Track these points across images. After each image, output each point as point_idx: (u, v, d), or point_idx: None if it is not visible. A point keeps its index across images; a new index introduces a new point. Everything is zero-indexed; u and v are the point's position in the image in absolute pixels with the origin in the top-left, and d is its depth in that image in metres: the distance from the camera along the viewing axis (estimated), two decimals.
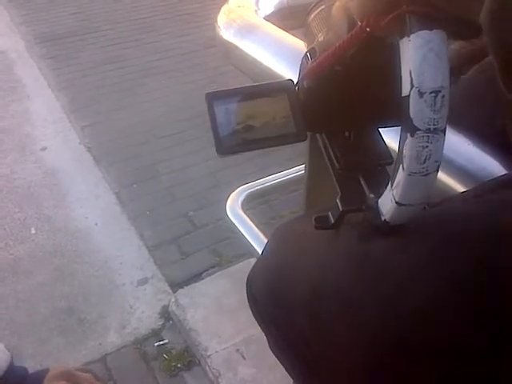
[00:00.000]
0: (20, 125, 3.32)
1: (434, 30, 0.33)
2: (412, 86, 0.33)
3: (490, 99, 0.57)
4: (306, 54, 0.49)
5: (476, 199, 0.44)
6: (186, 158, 2.97)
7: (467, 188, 0.54)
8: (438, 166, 0.35)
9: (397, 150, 0.51)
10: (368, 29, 0.37)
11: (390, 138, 0.50)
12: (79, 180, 2.84)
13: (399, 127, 0.47)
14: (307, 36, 0.55)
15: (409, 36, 0.33)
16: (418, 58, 0.33)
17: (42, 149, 3.09)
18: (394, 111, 0.41)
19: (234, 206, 1.07)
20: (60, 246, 2.39)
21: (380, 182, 0.45)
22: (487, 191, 0.45)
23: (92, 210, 2.63)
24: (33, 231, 2.48)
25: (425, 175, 0.35)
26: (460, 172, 0.54)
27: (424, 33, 0.33)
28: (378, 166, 0.48)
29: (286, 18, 0.95)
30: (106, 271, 2.27)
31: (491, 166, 0.55)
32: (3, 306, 2.08)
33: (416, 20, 0.33)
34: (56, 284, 2.20)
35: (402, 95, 0.34)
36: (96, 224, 2.53)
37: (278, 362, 0.55)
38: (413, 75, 0.33)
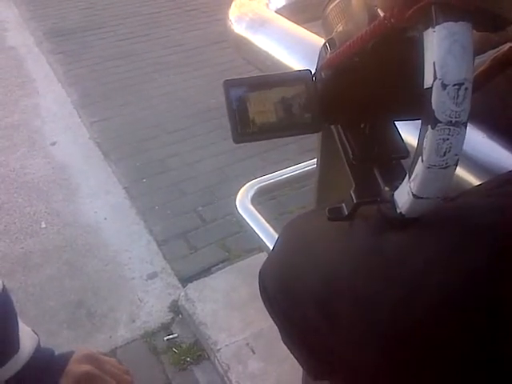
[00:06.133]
0: (30, 120, 3.34)
1: (460, 22, 0.33)
2: (435, 77, 0.33)
3: (504, 91, 0.57)
4: (324, 45, 0.49)
5: (491, 192, 0.43)
6: (195, 153, 2.98)
7: (481, 181, 0.53)
8: (458, 160, 0.35)
9: (412, 144, 0.51)
10: (392, 20, 0.36)
11: (407, 132, 0.50)
12: (89, 175, 2.85)
13: (415, 121, 0.47)
14: (325, 27, 0.55)
15: (434, 27, 0.33)
16: (443, 50, 0.32)
17: (52, 144, 3.11)
18: (412, 104, 0.41)
19: (243, 200, 1.07)
20: (70, 241, 2.40)
21: (395, 175, 0.45)
22: (502, 184, 0.44)
23: (101, 204, 2.64)
24: (43, 225, 2.49)
25: (444, 168, 0.35)
26: (474, 164, 0.54)
27: (449, 24, 0.33)
28: (393, 160, 0.47)
29: (298, 12, 0.95)
30: (115, 265, 2.28)
31: (505, 158, 0.55)
32: (13, 299, 2.09)
33: (441, 11, 0.33)
34: (66, 278, 2.21)
35: (425, 87, 0.34)
36: (105, 219, 2.54)
37: (289, 355, 0.55)
38: (436, 67, 0.33)
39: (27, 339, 0.79)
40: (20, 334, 0.77)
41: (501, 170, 0.53)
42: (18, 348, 0.76)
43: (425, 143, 0.34)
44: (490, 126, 0.55)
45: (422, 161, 0.35)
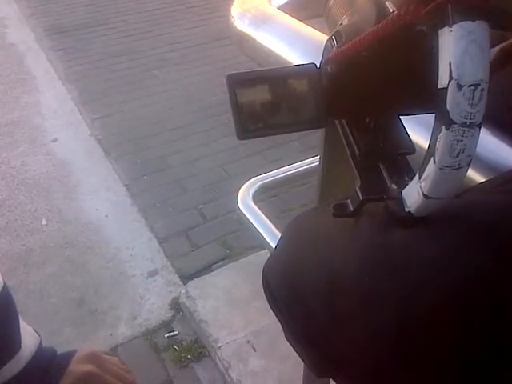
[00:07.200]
0: (31, 117, 3.34)
1: (477, 21, 0.32)
2: (451, 78, 0.32)
3: (508, 87, 0.56)
4: (330, 38, 0.48)
5: (496, 190, 0.43)
6: (196, 151, 2.98)
7: (485, 178, 0.53)
8: (470, 161, 0.34)
9: (417, 140, 0.50)
10: (407, 17, 0.36)
11: (412, 129, 0.49)
12: (89, 172, 2.85)
13: (420, 118, 0.46)
14: (329, 20, 0.54)
15: (450, 26, 0.32)
16: (460, 50, 0.32)
17: (53, 141, 3.11)
18: (418, 98, 0.41)
19: (245, 198, 1.07)
20: (71, 238, 2.40)
21: (401, 171, 0.44)
22: (507, 182, 0.44)
23: (102, 201, 2.64)
24: (44, 222, 2.49)
25: (456, 169, 0.34)
26: (478, 162, 0.54)
27: (467, 23, 0.32)
28: (399, 155, 0.47)
29: (300, 8, 0.95)
30: (116, 263, 2.28)
31: (510, 155, 0.54)
32: (14, 297, 2.09)
33: (458, 10, 0.32)
34: (67, 275, 2.22)
35: (439, 87, 0.33)
36: (106, 216, 2.54)
37: (291, 352, 0.55)
38: (452, 67, 0.32)
39: (29, 339, 0.78)
40: (22, 333, 0.77)
41: (505, 167, 0.53)
42: (20, 347, 0.75)
43: (437, 144, 0.34)
44: (494, 123, 0.55)
45: (435, 161, 0.34)
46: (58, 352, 0.82)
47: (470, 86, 0.32)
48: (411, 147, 0.48)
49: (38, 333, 0.81)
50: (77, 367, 0.80)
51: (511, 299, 0.34)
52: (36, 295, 2.12)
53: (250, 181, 1.10)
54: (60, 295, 2.12)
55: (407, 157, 0.47)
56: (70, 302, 2.09)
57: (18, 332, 0.76)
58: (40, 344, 0.80)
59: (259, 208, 1.04)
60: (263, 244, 1.00)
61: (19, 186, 2.73)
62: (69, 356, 0.81)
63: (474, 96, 0.32)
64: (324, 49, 0.49)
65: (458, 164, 0.34)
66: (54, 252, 2.33)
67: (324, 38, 0.51)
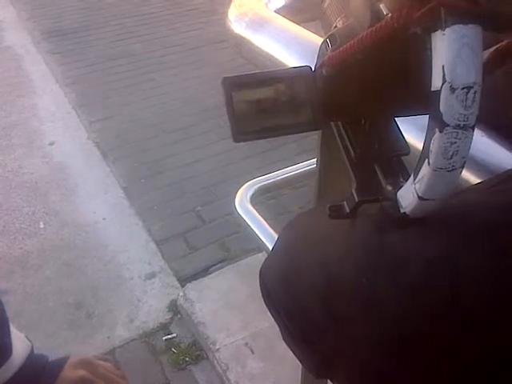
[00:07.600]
0: (28, 120, 3.33)
1: (470, 25, 0.32)
2: (444, 81, 0.32)
3: (504, 90, 0.57)
4: (325, 41, 0.48)
5: (491, 190, 0.43)
6: (194, 153, 2.98)
7: (479, 179, 0.54)
8: (465, 162, 0.34)
9: (412, 142, 0.51)
10: (401, 20, 0.36)
11: (407, 130, 0.50)
12: (87, 175, 2.85)
13: (415, 119, 0.47)
14: (324, 21, 0.54)
15: (443, 30, 0.32)
16: (452, 53, 0.32)
17: (50, 144, 3.10)
18: (413, 100, 0.41)
19: (242, 200, 1.07)
20: (68, 241, 2.40)
21: (396, 172, 0.45)
22: (501, 182, 0.44)
23: (100, 204, 2.64)
24: (41, 226, 2.49)
25: (450, 171, 0.34)
26: (473, 163, 0.54)
27: (459, 27, 0.32)
28: (394, 157, 0.47)
29: (297, 12, 0.95)
30: (114, 265, 2.28)
31: (505, 157, 0.55)
32: (12, 300, 2.09)
33: (451, 13, 0.32)
34: (64, 278, 2.21)
35: (432, 89, 0.33)
36: (104, 219, 2.54)
37: (288, 354, 0.55)
38: (445, 70, 0.32)
39: (20, 345, 0.78)
40: (12, 339, 0.76)
41: (499, 168, 0.54)
42: (11, 353, 0.75)
43: (431, 146, 0.34)
44: (488, 124, 0.55)
45: (429, 163, 0.35)
46: (52, 358, 0.82)
47: (463, 88, 0.32)
48: (406, 148, 0.48)
49: (29, 339, 0.81)
50: (69, 373, 0.79)
51: (510, 300, 0.35)
52: (33, 298, 2.12)
53: (248, 183, 1.11)
54: (57, 298, 2.12)
55: (402, 158, 0.48)
56: (68, 305, 2.09)
57: (9, 338, 0.75)
58: (31, 351, 0.79)
59: (257, 210, 1.05)
60: (261, 246, 1.00)
61: (16, 190, 2.73)
62: (61, 362, 0.81)
63: (467, 98, 0.32)
64: (319, 51, 0.49)
65: (452, 166, 0.34)
66: (52, 255, 2.33)
67: (320, 41, 0.52)
